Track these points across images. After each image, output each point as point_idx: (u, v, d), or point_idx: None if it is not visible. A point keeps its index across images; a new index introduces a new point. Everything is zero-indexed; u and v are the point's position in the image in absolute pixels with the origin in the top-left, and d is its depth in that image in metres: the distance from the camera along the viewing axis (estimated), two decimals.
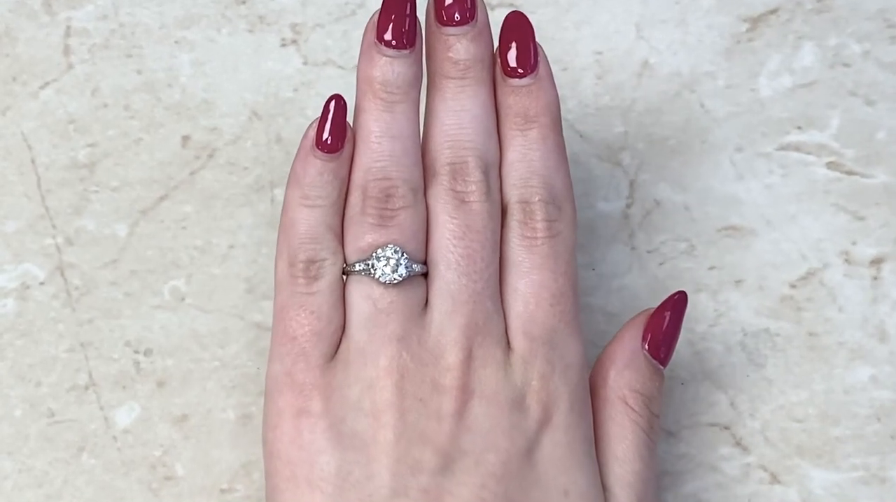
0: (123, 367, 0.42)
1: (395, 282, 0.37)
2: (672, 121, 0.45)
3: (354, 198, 0.38)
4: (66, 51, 0.45)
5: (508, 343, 0.38)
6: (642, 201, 0.45)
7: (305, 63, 0.45)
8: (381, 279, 0.37)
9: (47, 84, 0.44)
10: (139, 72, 0.44)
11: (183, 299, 0.43)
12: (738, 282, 0.44)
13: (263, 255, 0.43)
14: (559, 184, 0.39)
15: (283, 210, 0.38)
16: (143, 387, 0.42)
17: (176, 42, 0.45)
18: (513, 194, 0.39)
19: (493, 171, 0.39)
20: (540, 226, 0.38)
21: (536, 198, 0.39)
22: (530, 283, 0.38)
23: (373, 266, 0.37)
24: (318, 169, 0.38)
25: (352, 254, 0.38)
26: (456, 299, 0.37)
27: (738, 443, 0.43)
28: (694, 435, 0.43)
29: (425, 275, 0.38)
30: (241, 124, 0.44)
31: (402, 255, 0.37)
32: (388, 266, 0.37)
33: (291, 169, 0.38)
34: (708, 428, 0.43)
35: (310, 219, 0.38)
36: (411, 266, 0.37)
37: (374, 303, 0.38)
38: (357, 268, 0.38)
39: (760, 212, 0.44)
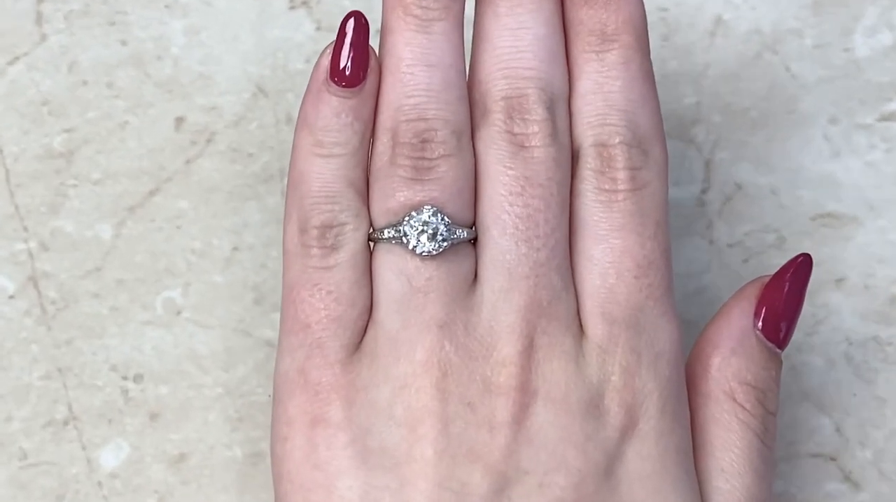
0: (109, 397, 0.39)
1: (435, 252, 0.32)
2: (752, 88, 0.42)
3: (382, 144, 0.33)
4: (39, 19, 0.42)
5: (581, 328, 0.33)
6: (720, 185, 0.41)
7: (318, 28, 0.42)
8: (416, 249, 0.32)
9: (17, 59, 0.42)
10: (124, 42, 0.42)
11: (179, 313, 0.40)
12: (839, 280, 0.41)
13: (273, 259, 0.40)
14: (646, 122, 0.34)
15: (291, 161, 0.34)
16: (133, 421, 0.39)
17: (166, 6, 0.42)
18: (586, 136, 0.34)
19: (561, 107, 0.34)
20: (621, 175, 0.33)
21: (617, 140, 0.33)
22: (609, 250, 0.33)
23: (406, 233, 0.32)
24: (335, 108, 0.33)
25: (379, 216, 0.33)
26: (513, 273, 0.32)
27: (847, 478, 0.39)
28: (794, 469, 0.39)
29: (474, 241, 0.33)
30: (244, 102, 0.41)
31: (443, 219, 0.32)
32: (426, 233, 0.32)
33: (301, 108, 0.34)
34: (810, 459, 0.39)
35: (325, 173, 0.33)
36: (455, 231, 0.33)
37: (408, 279, 0.33)
38: (386, 234, 0.33)
39: (862, 195, 0.41)
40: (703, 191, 0.41)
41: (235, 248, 0.40)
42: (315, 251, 0.33)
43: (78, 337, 0.40)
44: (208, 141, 0.41)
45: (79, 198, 0.41)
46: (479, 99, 0.34)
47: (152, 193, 0.41)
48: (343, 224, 0.33)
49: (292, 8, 0.42)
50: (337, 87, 0.33)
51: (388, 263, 0.33)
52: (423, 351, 0.32)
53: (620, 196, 0.33)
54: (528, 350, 0.32)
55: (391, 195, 0.33)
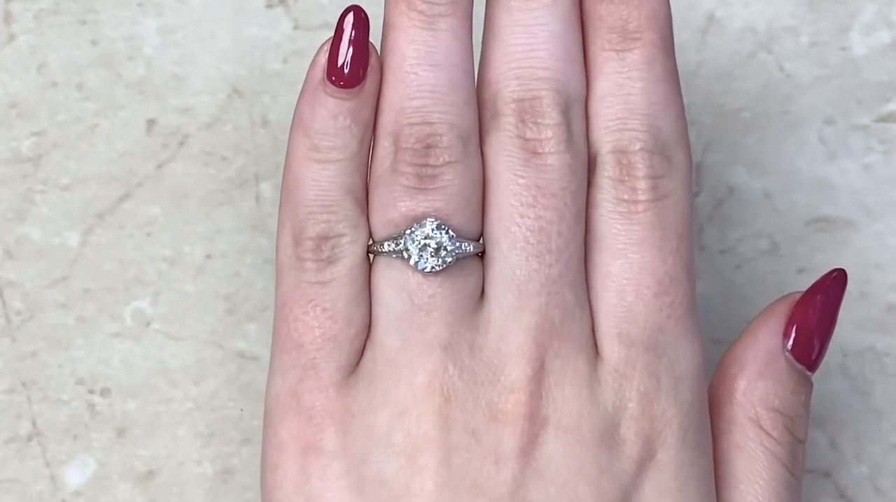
0: (75, 412, 0.39)
1: (438, 269, 0.31)
2: (746, 88, 0.41)
3: (383, 149, 0.32)
4: (7, 18, 0.41)
5: (596, 349, 0.31)
6: (712, 189, 0.40)
7: (296, 27, 0.41)
8: (418, 265, 0.31)
9: None
10: (95, 42, 0.41)
11: (148, 324, 0.39)
12: None
13: (248, 267, 0.40)
14: (669, 127, 0.32)
15: (286, 164, 0.32)
16: (100, 437, 0.38)
17: (139, 4, 0.41)
18: (604, 141, 0.32)
19: (577, 110, 0.32)
20: (642, 185, 0.31)
21: (637, 147, 0.32)
22: (628, 266, 0.31)
23: (407, 247, 0.31)
24: (332, 110, 0.32)
25: (379, 227, 0.32)
26: (523, 290, 0.31)
27: (842, 495, 0.38)
28: None
29: (481, 254, 0.31)
30: (218, 104, 0.41)
31: (447, 232, 0.31)
32: (428, 247, 0.31)
33: (296, 110, 0.32)
34: (804, 474, 0.37)
35: (321, 180, 0.32)
36: (460, 245, 0.31)
37: (409, 296, 0.31)
38: (386, 247, 0.31)
39: (858, 199, 0.40)
40: (694, 195, 0.40)
41: (208, 256, 0.40)
42: (310, 264, 0.31)
43: (43, 348, 0.39)
44: (181, 144, 0.40)
45: (46, 205, 0.40)
46: (489, 101, 0.32)
47: (122, 199, 0.40)
48: (340, 235, 0.32)
49: (269, 6, 0.41)
50: (334, 87, 0.31)
51: (388, 278, 0.31)
52: (425, 374, 0.30)
53: (640, 207, 0.31)
54: (539, 374, 0.30)
55: (392, 205, 0.31)
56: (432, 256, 0.31)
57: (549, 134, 0.31)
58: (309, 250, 0.31)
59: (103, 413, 0.38)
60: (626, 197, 0.31)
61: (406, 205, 0.31)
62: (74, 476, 0.38)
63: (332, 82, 0.31)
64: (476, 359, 0.31)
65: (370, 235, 0.32)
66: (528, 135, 0.31)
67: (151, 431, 0.38)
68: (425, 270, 0.31)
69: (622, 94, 0.32)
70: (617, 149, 0.32)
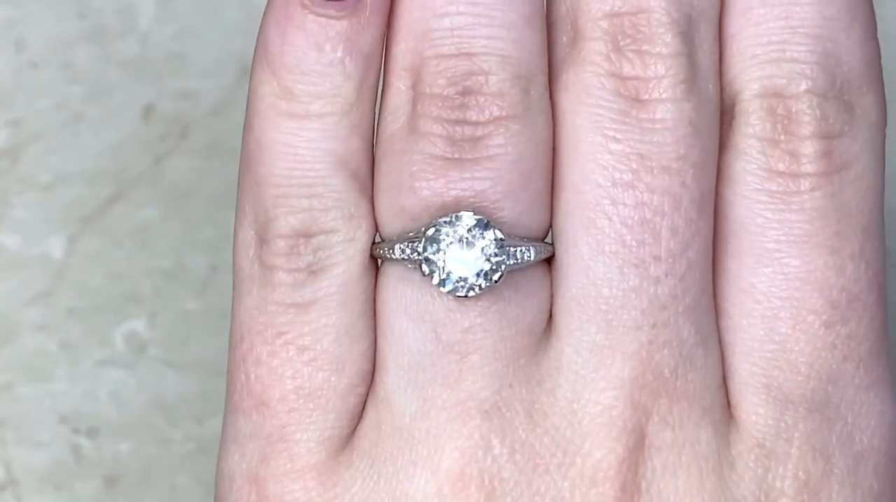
0: (57, 455, 0.37)
1: (479, 290, 0.23)
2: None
3: (397, 98, 0.24)
4: None
5: (728, 410, 0.24)
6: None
7: None
8: (445, 285, 0.23)
9: None
10: (82, 15, 0.40)
11: (143, 349, 0.38)
12: None
13: None
14: (852, 57, 0.24)
15: (245, 123, 0.25)
16: (86, 486, 0.37)
17: None
18: (749, 79, 0.24)
19: (706, 32, 0.24)
20: (808, 149, 0.24)
21: (802, 87, 0.24)
22: (783, 278, 0.24)
23: (429, 256, 0.23)
24: (314, 34, 0.24)
25: (389, 220, 0.24)
26: (614, 320, 0.24)
27: None
28: None
29: (549, 259, 0.24)
30: (226, 87, 0.39)
31: (494, 232, 0.23)
32: (467, 255, 0.23)
33: (259, 35, 0.25)
34: None
35: (298, 146, 0.24)
36: (515, 251, 0.23)
37: (434, 329, 0.24)
38: (398, 252, 0.24)
39: None
40: None
41: (214, 268, 0.38)
42: (281, 276, 0.24)
43: (19, 380, 0.37)
44: (182, 135, 0.39)
45: (24, 207, 0.39)
46: (565, 18, 0.24)
47: (113, 200, 0.39)
48: (328, 231, 0.24)
49: None
50: None
51: (402, 300, 0.24)
52: (456, 454, 0.23)
53: (805, 184, 0.24)
54: (636, 454, 0.24)
55: (408, 186, 0.24)
56: (471, 270, 0.23)
57: (660, 70, 0.23)
58: (280, 254, 0.24)
59: (90, 457, 0.37)
60: (782, 167, 0.24)
61: (430, 188, 0.23)
62: None
63: None
64: (537, 432, 0.23)
65: (375, 231, 0.25)
66: (627, 71, 0.24)
67: (147, 479, 0.36)
68: (458, 293, 0.24)
69: (779, 3, 0.24)
70: (769, 92, 0.24)
